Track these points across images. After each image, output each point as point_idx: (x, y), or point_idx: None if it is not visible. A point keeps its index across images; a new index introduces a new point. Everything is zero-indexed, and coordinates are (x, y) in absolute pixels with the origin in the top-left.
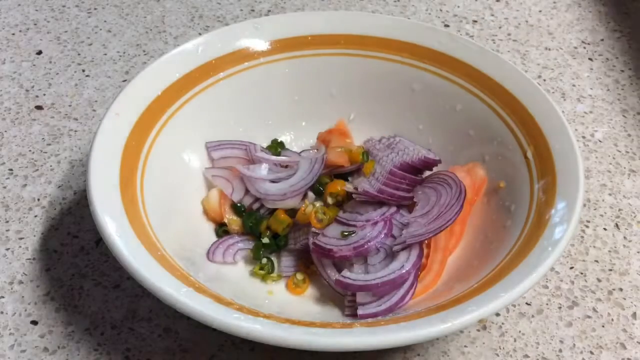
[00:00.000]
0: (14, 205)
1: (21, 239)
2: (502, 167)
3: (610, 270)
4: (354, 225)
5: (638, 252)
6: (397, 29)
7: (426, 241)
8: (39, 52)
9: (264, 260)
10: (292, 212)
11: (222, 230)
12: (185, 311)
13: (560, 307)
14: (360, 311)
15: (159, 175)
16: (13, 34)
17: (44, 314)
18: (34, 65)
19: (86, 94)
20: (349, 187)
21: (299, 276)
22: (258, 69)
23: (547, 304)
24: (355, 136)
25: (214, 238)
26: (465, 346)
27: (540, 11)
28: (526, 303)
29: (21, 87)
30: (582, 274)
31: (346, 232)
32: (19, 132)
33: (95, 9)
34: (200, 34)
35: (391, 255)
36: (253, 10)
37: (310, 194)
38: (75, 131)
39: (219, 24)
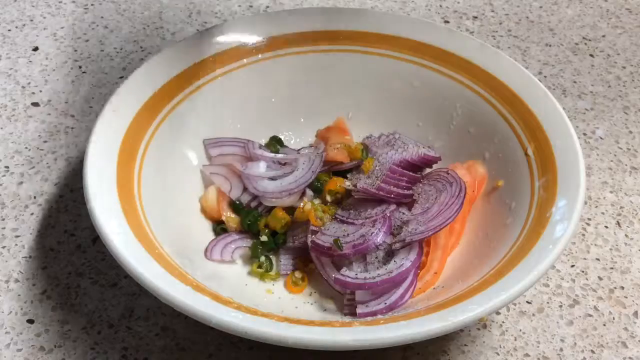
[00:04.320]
0: (10, 203)
1: (17, 236)
2: (503, 165)
3: (612, 268)
4: (353, 223)
5: (639, 250)
6: (397, 25)
7: (426, 239)
8: (35, 49)
9: (262, 259)
10: (290, 209)
11: (220, 228)
12: (183, 310)
13: (561, 306)
14: (359, 310)
15: (157, 173)
16: (9, 30)
17: (40, 312)
18: (30, 61)
19: (83, 90)
20: (347, 184)
21: (298, 274)
22: (256, 66)
23: (547, 303)
24: (355, 133)
25: (211, 236)
26: (466, 345)
27: (541, 7)
28: (527, 301)
29: (17, 84)
30: (583, 272)
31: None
32: (15, 129)
33: (92, 4)
34: (198, 30)
35: (390, 254)
36: (251, 6)
37: (309, 192)
38: (72, 128)
39: (216, 20)
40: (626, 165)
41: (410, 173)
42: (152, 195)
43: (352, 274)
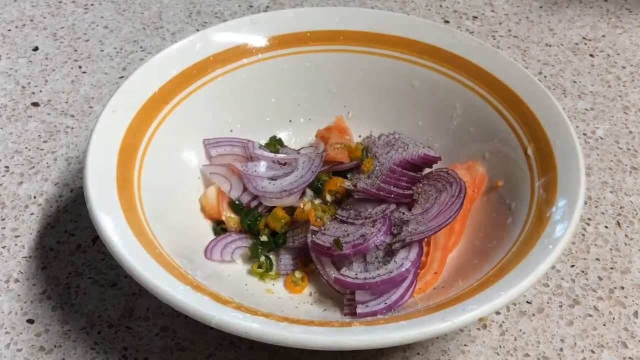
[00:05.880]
0: (9, 203)
1: (17, 237)
2: (503, 165)
3: (612, 268)
4: (353, 223)
5: (639, 250)
6: (397, 25)
7: (426, 239)
8: (35, 49)
9: (262, 259)
10: (290, 209)
11: (219, 228)
12: (183, 309)
13: (561, 306)
14: (359, 310)
15: (157, 173)
16: (9, 30)
17: (40, 312)
18: (30, 61)
19: (83, 90)
20: (347, 184)
21: (298, 274)
22: (256, 66)
23: (547, 303)
24: (355, 133)
25: (211, 236)
26: (466, 345)
27: (541, 7)
28: (527, 301)
29: (17, 84)
30: (583, 272)
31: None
32: (15, 129)
33: (92, 4)
34: (198, 30)
35: (391, 253)
36: (251, 6)
37: (309, 192)
38: (72, 128)
39: (216, 20)
40: (626, 165)
41: (410, 173)
42: (152, 195)
43: (352, 274)
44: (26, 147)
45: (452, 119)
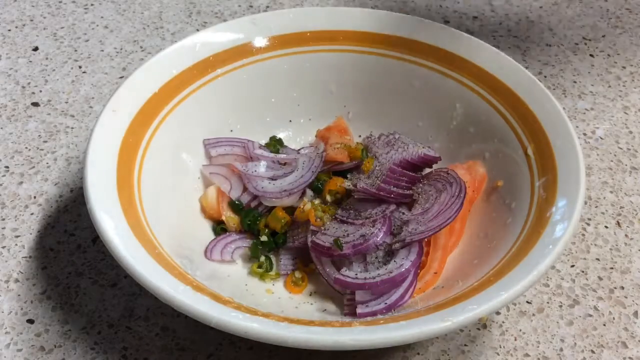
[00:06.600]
0: (9, 203)
1: (17, 236)
2: (503, 165)
3: (612, 268)
4: (353, 223)
5: (639, 250)
6: (397, 25)
7: (426, 239)
8: (35, 49)
9: (262, 259)
10: (290, 209)
11: (219, 228)
12: (183, 309)
13: (561, 306)
14: (359, 310)
15: (157, 173)
16: (9, 30)
17: (40, 312)
18: (30, 61)
19: (83, 90)
20: (347, 184)
21: (298, 274)
22: (256, 66)
23: (547, 303)
24: (355, 133)
25: (211, 236)
26: (465, 345)
27: (541, 7)
28: (527, 301)
29: (17, 84)
30: (583, 272)
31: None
32: (15, 129)
33: (92, 4)
34: (198, 30)
35: (390, 254)
36: (251, 6)
37: (309, 192)
38: (72, 128)
39: (217, 20)
40: (626, 165)
41: (410, 173)
42: (152, 195)
43: (352, 274)
44: (26, 147)
45: (452, 119)
